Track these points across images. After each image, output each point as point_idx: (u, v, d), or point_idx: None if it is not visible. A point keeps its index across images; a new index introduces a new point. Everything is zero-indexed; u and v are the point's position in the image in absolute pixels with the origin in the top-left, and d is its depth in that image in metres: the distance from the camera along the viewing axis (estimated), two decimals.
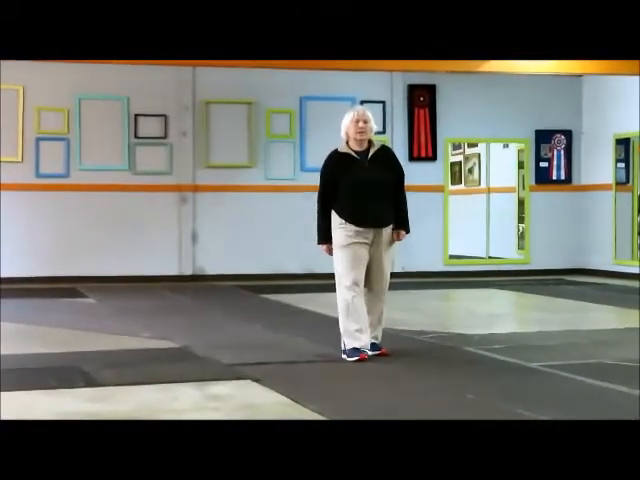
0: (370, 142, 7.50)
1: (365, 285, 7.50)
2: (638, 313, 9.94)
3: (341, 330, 7.40)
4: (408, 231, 7.62)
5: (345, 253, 7.39)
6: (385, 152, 7.61)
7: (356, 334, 7.31)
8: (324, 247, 7.50)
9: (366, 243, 7.39)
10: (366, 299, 7.49)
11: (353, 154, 7.44)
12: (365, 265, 7.43)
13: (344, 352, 7.33)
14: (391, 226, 7.52)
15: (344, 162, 7.45)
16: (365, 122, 7.39)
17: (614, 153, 15.20)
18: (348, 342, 7.33)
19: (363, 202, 7.35)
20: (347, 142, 7.48)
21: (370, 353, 7.37)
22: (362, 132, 7.40)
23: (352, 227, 7.36)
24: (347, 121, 7.44)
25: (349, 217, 7.37)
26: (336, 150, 7.55)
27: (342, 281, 7.42)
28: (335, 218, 7.46)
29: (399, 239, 7.57)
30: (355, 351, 7.27)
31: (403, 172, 7.70)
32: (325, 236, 7.48)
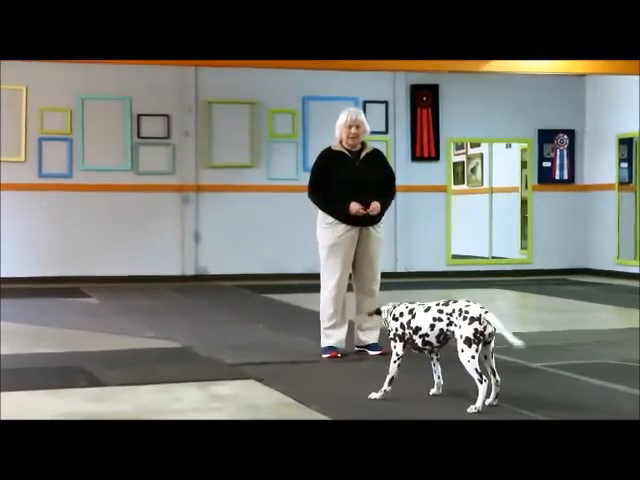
0: (363, 143, 7.58)
1: (355, 285, 7.65)
2: None
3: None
4: (381, 215, 7.51)
5: (331, 253, 7.50)
6: (377, 154, 7.70)
7: (330, 332, 7.49)
8: (354, 209, 7.31)
9: (352, 242, 7.46)
10: (358, 299, 7.65)
11: (346, 152, 7.50)
12: (349, 265, 7.54)
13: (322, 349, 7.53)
14: (379, 224, 7.57)
15: (336, 160, 7.53)
16: (357, 127, 7.47)
17: (617, 153, 15.19)
18: (323, 341, 7.53)
19: (351, 200, 7.38)
20: (340, 141, 7.54)
21: (371, 353, 7.49)
22: (354, 137, 7.48)
23: (339, 226, 7.41)
24: (341, 123, 7.50)
25: (337, 215, 7.41)
26: (329, 148, 7.63)
27: (324, 281, 7.55)
28: (322, 217, 7.53)
29: (372, 209, 7.37)
30: (328, 349, 7.47)
31: (393, 175, 7.84)
32: (343, 206, 7.33)
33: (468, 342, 5.51)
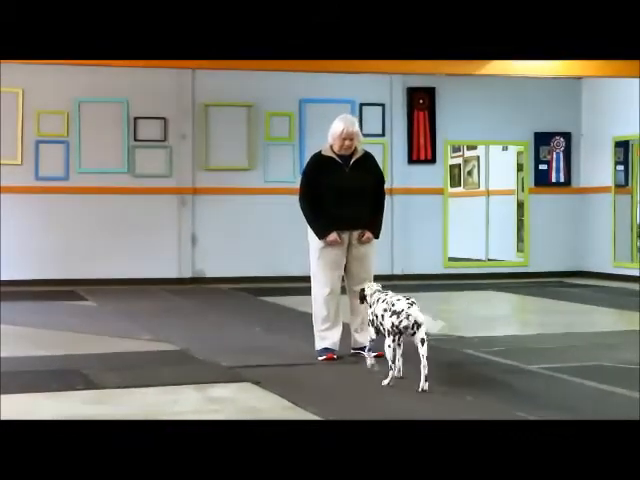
0: (355, 148, 7.55)
1: (348, 286, 7.65)
2: (637, 315, 9.93)
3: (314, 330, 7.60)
4: (377, 236, 7.62)
5: (321, 256, 7.50)
6: (367, 158, 7.68)
7: (324, 334, 7.49)
8: (330, 238, 7.43)
9: (344, 244, 7.48)
10: (350, 301, 7.63)
11: (335, 158, 7.52)
12: (341, 267, 7.55)
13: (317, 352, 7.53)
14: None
15: (326, 165, 7.52)
16: (351, 139, 7.45)
17: (613, 155, 15.20)
18: (317, 343, 7.53)
19: (341, 205, 7.43)
20: (331, 146, 7.52)
21: (366, 355, 7.47)
22: (347, 148, 7.50)
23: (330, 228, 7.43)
24: (336, 132, 7.47)
25: (326, 220, 7.41)
26: (319, 152, 7.62)
27: (316, 283, 7.55)
28: None
29: (365, 239, 7.51)
30: (323, 351, 7.47)
31: (383, 178, 7.85)
32: (325, 228, 7.45)
33: (387, 333, 6.23)
